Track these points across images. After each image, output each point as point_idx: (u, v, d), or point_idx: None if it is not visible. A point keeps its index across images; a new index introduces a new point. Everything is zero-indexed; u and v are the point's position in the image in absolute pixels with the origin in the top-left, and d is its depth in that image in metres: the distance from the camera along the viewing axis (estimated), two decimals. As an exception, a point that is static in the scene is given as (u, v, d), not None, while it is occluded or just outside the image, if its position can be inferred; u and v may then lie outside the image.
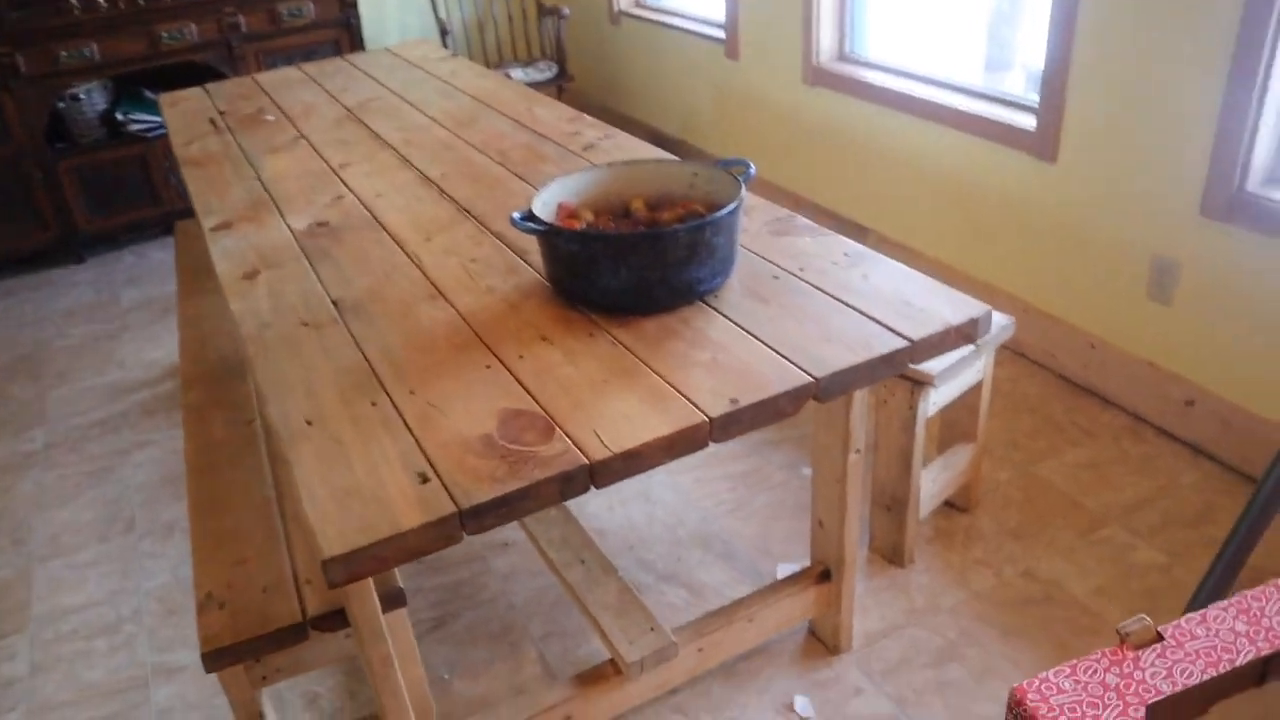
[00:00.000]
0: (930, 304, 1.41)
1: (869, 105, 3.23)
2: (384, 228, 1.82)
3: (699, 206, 1.57)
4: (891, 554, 2.16)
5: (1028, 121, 2.69)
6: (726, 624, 1.78)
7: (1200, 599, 1.34)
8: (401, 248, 1.73)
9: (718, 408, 1.21)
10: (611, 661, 1.69)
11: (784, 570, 2.15)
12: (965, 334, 1.37)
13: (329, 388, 1.32)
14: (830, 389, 1.27)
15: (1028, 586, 2.10)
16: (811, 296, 1.45)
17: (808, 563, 2.16)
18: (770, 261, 1.58)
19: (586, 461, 1.13)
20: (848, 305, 1.42)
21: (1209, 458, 2.42)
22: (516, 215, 1.43)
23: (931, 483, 2.14)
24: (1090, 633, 1.98)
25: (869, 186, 3.32)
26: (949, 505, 2.32)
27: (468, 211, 1.87)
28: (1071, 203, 2.59)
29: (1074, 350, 2.69)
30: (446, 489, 1.10)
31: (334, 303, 1.55)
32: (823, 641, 1.97)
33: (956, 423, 2.22)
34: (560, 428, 1.19)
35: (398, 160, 2.17)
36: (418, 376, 1.33)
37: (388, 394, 1.30)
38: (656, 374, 1.29)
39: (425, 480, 1.12)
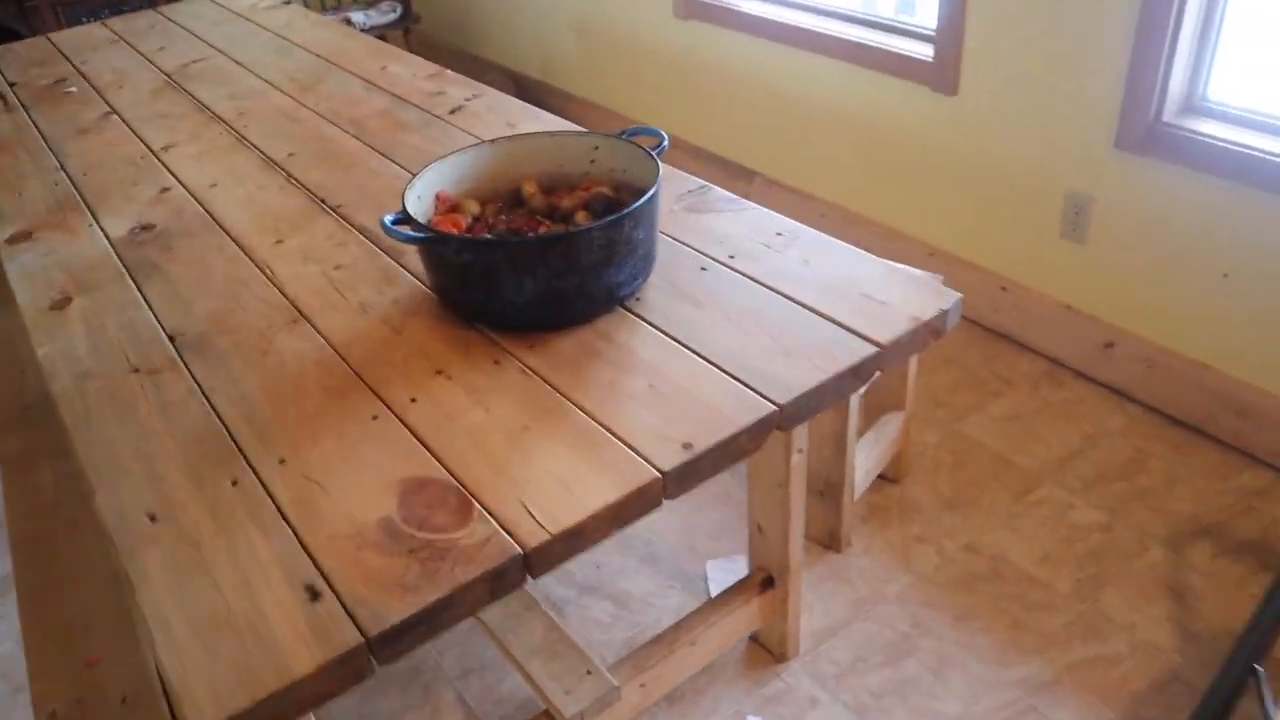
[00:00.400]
0: (891, 294, 1.21)
1: (747, 38, 3.00)
2: (224, 229, 1.51)
3: (604, 188, 1.33)
4: (828, 540, 2.01)
5: (924, 51, 2.52)
6: (668, 653, 1.59)
7: (1244, 653, 1.18)
8: (248, 255, 1.43)
9: (669, 457, 0.99)
10: (546, 713, 1.48)
11: (714, 569, 1.97)
12: (935, 329, 1.18)
13: (175, 463, 1.04)
14: (795, 417, 1.07)
15: (972, 562, 1.98)
16: (751, 292, 1.24)
17: (738, 557, 1.99)
18: (692, 248, 1.35)
19: (520, 550, 0.90)
20: (796, 302, 1.21)
21: (1132, 400, 2.35)
22: (389, 219, 1.16)
23: (865, 460, 1.98)
24: (1043, 608, 1.87)
25: (753, 126, 3.11)
26: (880, 477, 2.18)
27: (323, 202, 1.57)
28: (976, 138, 2.44)
29: (985, 295, 2.57)
30: (346, 608, 0.85)
31: (170, 338, 1.26)
32: (768, 649, 1.80)
33: (885, 391, 2.07)
34: (479, 502, 0.95)
35: (232, 138, 1.84)
36: (287, 438, 1.06)
37: (252, 467, 1.02)
38: (585, 413, 1.06)
39: (316, 596, 0.87)
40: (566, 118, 3.66)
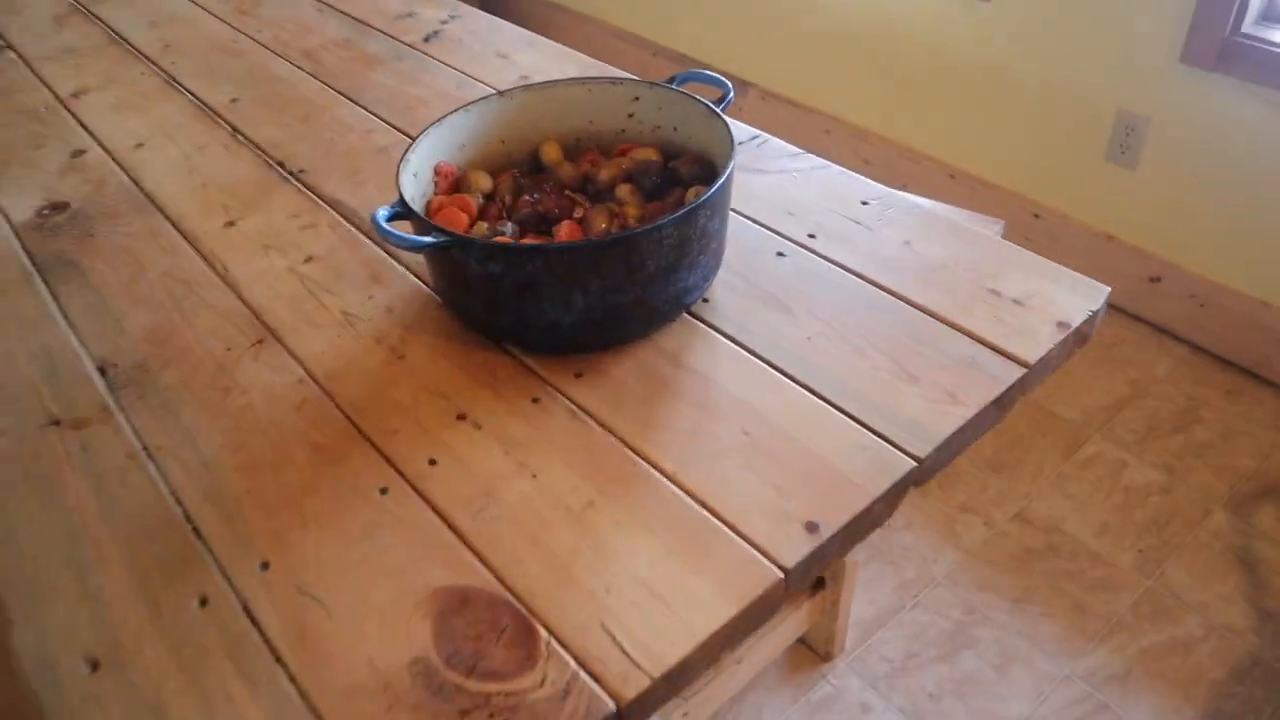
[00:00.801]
0: (1024, 288, 0.96)
1: (742, -68, 2.66)
2: (157, 207, 1.21)
3: (650, 152, 1.05)
4: (868, 518, 1.80)
5: (949, -52, 2.21)
6: (713, 675, 1.38)
7: None
8: (192, 244, 1.14)
9: (791, 545, 0.74)
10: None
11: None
12: (1083, 335, 0.94)
13: (119, 572, 0.77)
14: (933, 470, 0.83)
15: (1024, 534, 1.79)
16: (848, 289, 0.98)
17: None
18: (761, 224, 1.09)
19: (613, 707, 0.65)
20: (909, 303, 0.96)
21: (1179, 340, 2.15)
22: (382, 216, 0.88)
23: (911, 429, 1.76)
24: (1106, 586, 1.70)
25: (749, 31, 2.79)
26: (917, 440, 1.97)
27: (281, 166, 1.27)
28: (1011, 49, 2.16)
29: (1015, 221, 2.33)
30: (379, 819, 0.61)
31: (100, 370, 0.97)
32: (813, 649, 1.61)
33: (929, 349, 1.84)
34: (545, 626, 0.70)
35: (159, 80, 1.50)
36: (269, 528, 0.79)
37: (225, 575, 0.76)
38: (665, 476, 0.81)
39: (334, 797, 0.62)
40: (518, 22, 3.29)
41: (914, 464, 0.80)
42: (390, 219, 0.88)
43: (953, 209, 1.58)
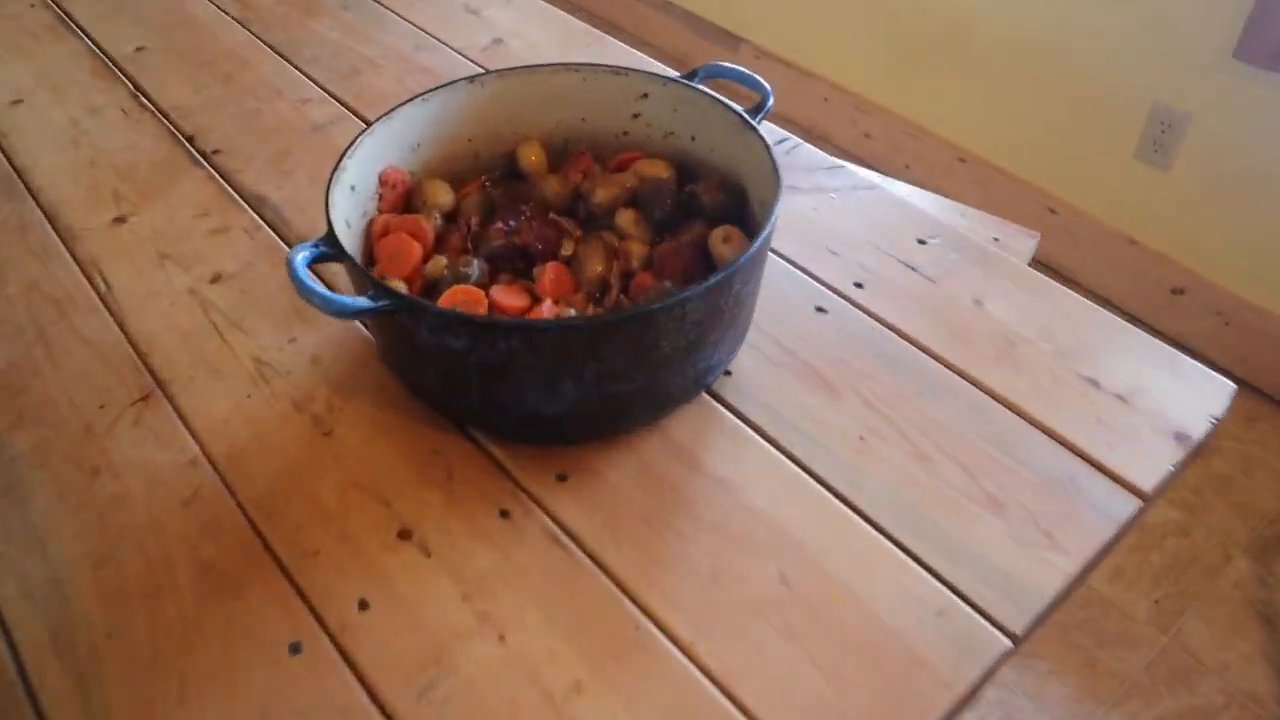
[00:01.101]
0: (1129, 378, 0.76)
1: None
2: (29, 189, 0.96)
3: (660, 166, 0.83)
4: (862, 553, 1.62)
5: (979, -96, 1.97)
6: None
7: None
8: (67, 246, 0.89)
9: (852, 771, 0.54)
10: None
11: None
12: (1202, 448, 0.75)
13: (-90, 758, 0.55)
14: (1022, 641, 0.63)
15: (1033, 578, 1.62)
16: (909, 369, 0.77)
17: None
18: (796, 266, 0.87)
19: None
20: (985, 391, 0.75)
21: (1199, 358, 1.98)
22: (302, 257, 0.65)
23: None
24: (1120, 642, 1.54)
25: (743, -18, 2.54)
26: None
27: (190, 142, 1.02)
28: (1038, 23, 1.94)
29: (1027, 215, 2.13)
30: None
31: (-75, 427, 0.74)
32: (796, 709, 1.43)
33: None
34: None
35: (50, 16, 1.23)
36: (133, 698, 0.58)
37: (62, 777, 0.55)
38: (678, 647, 0.60)
39: None
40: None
41: (1009, 644, 0.60)
42: (313, 260, 0.65)
43: (986, 216, 1.37)
